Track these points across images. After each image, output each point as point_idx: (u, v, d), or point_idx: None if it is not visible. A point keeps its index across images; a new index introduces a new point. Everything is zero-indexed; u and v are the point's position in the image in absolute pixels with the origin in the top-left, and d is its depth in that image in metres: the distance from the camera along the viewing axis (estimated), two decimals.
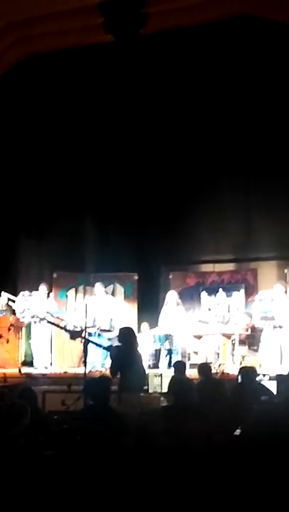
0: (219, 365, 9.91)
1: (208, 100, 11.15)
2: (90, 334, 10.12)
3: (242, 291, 11.54)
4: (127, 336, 7.33)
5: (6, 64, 10.65)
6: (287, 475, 4.07)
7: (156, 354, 10.81)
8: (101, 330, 10.74)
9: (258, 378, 7.74)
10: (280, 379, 7.99)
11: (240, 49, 9.95)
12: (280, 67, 10.36)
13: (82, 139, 12.05)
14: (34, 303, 10.98)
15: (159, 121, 11.57)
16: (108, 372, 7.65)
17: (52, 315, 10.39)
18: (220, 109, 11.27)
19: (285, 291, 10.44)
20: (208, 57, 10.26)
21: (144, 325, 11.19)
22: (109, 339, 10.37)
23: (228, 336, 10.51)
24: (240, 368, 8.04)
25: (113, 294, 12.05)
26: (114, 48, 9.87)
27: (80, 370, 7.66)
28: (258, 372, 7.86)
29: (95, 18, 9.59)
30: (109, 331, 10.69)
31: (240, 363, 9.92)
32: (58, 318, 9.94)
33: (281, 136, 11.20)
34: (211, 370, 8.22)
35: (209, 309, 11.48)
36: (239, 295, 11.48)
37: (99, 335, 10.66)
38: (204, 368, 8.08)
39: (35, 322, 10.95)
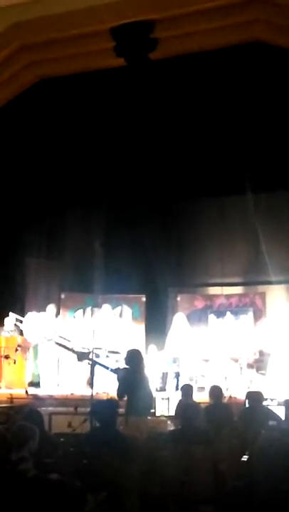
0: (226, 389, 9.85)
1: (217, 126, 11.21)
2: (97, 356, 10.11)
3: (250, 314, 11.51)
4: (134, 358, 7.31)
5: (17, 87, 10.75)
6: None
7: (164, 377, 10.76)
8: (109, 351, 10.72)
9: (265, 403, 7.70)
10: (288, 404, 7.93)
11: (251, 76, 10.00)
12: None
13: (91, 162, 12.13)
14: (42, 324, 10.99)
15: (168, 146, 11.64)
16: (115, 394, 7.62)
17: (60, 336, 10.38)
18: (229, 132, 11.32)
19: None
20: (219, 84, 10.32)
21: (152, 347, 11.16)
22: (117, 361, 10.35)
23: (236, 360, 10.46)
24: (248, 392, 7.99)
25: (120, 315, 12.05)
26: (123, 73, 9.97)
27: (87, 392, 7.64)
28: (265, 397, 7.82)
29: (106, 42, 9.69)
30: (117, 352, 10.67)
31: (248, 388, 9.85)
32: (65, 339, 9.93)
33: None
34: (222, 393, 8.15)
35: (217, 332, 11.45)
36: (247, 318, 11.45)
37: (107, 356, 10.64)
38: (215, 391, 8.01)
39: (42, 343, 10.95)
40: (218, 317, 11.62)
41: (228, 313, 11.64)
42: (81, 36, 9.62)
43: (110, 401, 6.26)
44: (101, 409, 5.47)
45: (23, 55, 10.17)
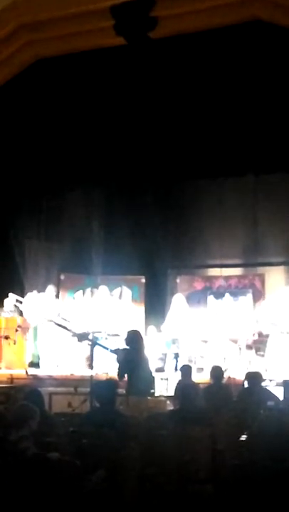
0: (225, 370, 9.89)
1: (217, 104, 11.14)
2: (97, 339, 10.14)
3: (249, 296, 11.53)
4: (134, 339, 7.34)
5: (15, 67, 10.65)
6: None
7: (163, 358, 10.81)
8: (108, 335, 10.75)
9: (263, 383, 7.74)
10: (286, 385, 7.97)
11: (251, 55, 9.91)
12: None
13: (90, 142, 12.06)
14: (41, 304, 11.01)
15: (167, 125, 11.57)
16: (115, 375, 7.66)
17: (59, 317, 10.40)
18: (229, 113, 11.25)
19: None
20: (219, 63, 10.24)
21: (151, 328, 11.19)
22: (117, 343, 10.39)
23: (235, 341, 10.50)
24: (247, 373, 8.03)
25: (120, 296, 12.08)
26: (123, 52, 9.88)
27: (87, 373, 7.67)
28: (263, 378, 7.86)
29: (105, 21, 9.60)
30: (116, 335, 10.70)
31: (247, 368, 9.90)
32: (65, 320, 9.95)
33: None
34: (222, 374, 8.19)
35: (216, 313, 11.48)
36: (246, 300, 11.47)
37: (106, 339, 10.67)
38: (216, 371, 8.05)
39: (42, 323, 10.98)
40: (217, 298, 11.64)
41: (227, 294, 11.66)
42: (80, 15, 9.53)
43: (110, 381, 6.29)
44: (101, 389, 5.50)
45: (21, 34, 10.07)
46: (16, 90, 10.55)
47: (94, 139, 11.81)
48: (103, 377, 8.97)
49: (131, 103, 10.99)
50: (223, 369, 9.59)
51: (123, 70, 10.48)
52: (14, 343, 10.68)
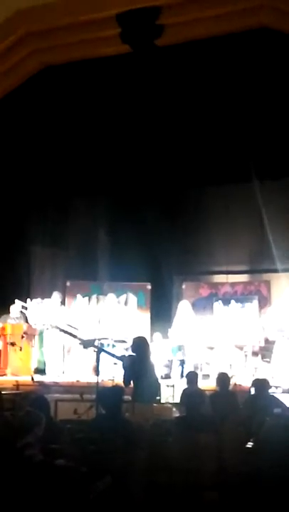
0: (232, 377, 9.87)
1: (222, 112, 11.17)
2: (103, 345, 10.15)
3: (255, 302, 11.52)
4: (140, 345, 7.34)
5: (22, 74, 10.71)
6: None
7: (169, 364, 10.81)
8: (115, 341, 10.76)
9: (270, 390, 7.72)
10: None
11: (257, 63, 9.94)
12: None
13: (96, 149, 12.11)
14: (47, 311, 11.02)
15: (173, 132, 11.60)
16: (121, 381, 7.65)
17: (65, 323, 10.41)
18: (235, 120, 11.28)
19: None
20: (224, 71, 10.27)
21: (157, 335, 11.19)
22: (126, 349, 10.39)
23: (241, 348, 10.48)
24: (253, 380, 8.02)
25: (126, 303, 12.08)
26: (129, 59, 9.92)
27: (93, 379, 7.67)
28: (270, 385, 7.84)
29: (111, 29, 9.65)
30: (123, 341, 10.71)
31: (253, 375, 9.88)
32: (71, 326, 9.97)
33: None
34: (229, 380, 8.18)
35: (222, 320, 11.47)
36: (252, 306, 11.45)
37: (114, 346, 10.68)
38: (223, 378, 8.04)
39: (47, 330, 10.99)
40: (223, 305, 11.63)
41: (233, 301, 11.65)
42: (86, 23, 9.57)
43: (116, 388, 6.29)
44: (106, 395, 5.49)
45: (28, 42, 10.12)
46: (23, 98, 10.61)
47: (100, 147, 11.85)
48: (109, 383, 8.97)
49: (137, 110, 11.02)
50: (230, 376, 9.59)
51: (129, 78, 10.53)
52: (20, 350, 10.69)
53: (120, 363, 8.18)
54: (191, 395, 7.02)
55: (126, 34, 9.48)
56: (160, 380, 8.49)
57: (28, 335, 10.93)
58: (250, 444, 5.38)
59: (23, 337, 10.74)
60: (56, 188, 12.45)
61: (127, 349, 10.28)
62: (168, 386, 8.95)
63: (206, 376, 10.06)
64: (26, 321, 11.19)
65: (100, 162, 12.26)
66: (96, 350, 7.59)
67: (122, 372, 7.33)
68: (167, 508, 4.69)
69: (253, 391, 7.48)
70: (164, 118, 11.21)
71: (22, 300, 11.36)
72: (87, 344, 7.76)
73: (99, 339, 8.63)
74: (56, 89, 10.86)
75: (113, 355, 8.75)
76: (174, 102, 10.91)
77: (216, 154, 11.77)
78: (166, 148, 11.82)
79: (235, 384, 9.51)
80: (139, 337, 7.86)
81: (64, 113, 11.34)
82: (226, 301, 11.68)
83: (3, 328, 10.92)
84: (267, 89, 10.36)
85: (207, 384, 9.14)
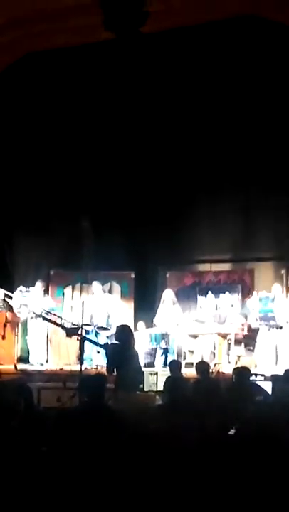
0: (215, 365, 9.93)
1: (207, 100, 11.16)
2: (87, 332, 10.14)
3: (238, 291, 11.56)
4: (123, 333, 7.35)
5: (4, 62, 10.64)
6: (281, 474, 4.10)
7: (152, 353, 10.83)
8: (98, 328, 10.76)
9: (252, 378, 7.77)
10: (275, 379, 8.01)
11: (242, 50, 9.94)
12: (283, 69, 10.37)
13: (80, 137, 12.05)
14: (31, 299, 10.99)
15: (158, 120, 11.57)
16: (104, 369, 7.67)
17: (48, 312, 10.39)
18: (219, 109, 11.28)
19: (282, 292, 10.49)
20: (209, 58, 10.26)
21: (141, 324, 11.20)
22: (107, 337, 10.39)
23: (224, 336, 10.53)
24: (234, 368, 8.07)
25: (110, 292, 12.06)
26: (114, 46, 9.86)
27: (76, 367, 7.68)
28: (251, 373, 7.89)
29: (95, 16, 9.57)
30: (106, 329, 10.71)
31: (236, 363, 9.94)
32: (54, 315, 9.94)
33: (281, 136, 11.22)
34: (209, 368, 8.23)
35: (205, 309, 11.50)
36: (236, 295, 11.50)
37: (96, 333, 10.68)
38: (202, 367, 8.09)
39: (31, 318, 10.96)
40: (206, 294, 11.66)
41: (217, 289, 11.69)
42: (69, 10, 9.51)
43: (99, 375, 6.29)
44: (89, 383, 5.49)
45: (11, 29, 10.04)
46: (5, 84, 10.53)
47: (83, 132, 11.80)
48: (92, 371, 8.98)
49: (121, 97, 10.98)
50: (212, 364, 9.65)
51: (113, 65, 10.48)
52: (3, 338, 10.67)
53: (103, 351, 8.20)
54: (174, 382, 7.04)
55: (110, 21, 9.41)
56: (143, 368, 8.51)
57: (12, 323, 10.90)
58: (232, 431, 5.40)
59: (5, 325, 10.72)
60: (40, 176, 12.38)
61: (109, 337, 10.29)
62: (151, 374, 8.97)
63: (189, 364, 10.09)
64: (10, 310, 11.15)
65: (84, 150, 12.20)
66: (79, 338, 7.60)
67: (106, 360, 7.34)
68: (151, 495, 4.71)
69: (234, 379, 7.52)
70: (149, 106, 11.18)
71: (5, 289, 11.31)
72: (70, 332, 7.75)
73: (82, 327, 8.60)
74: (39, 76, 10.79)
75: (96, 344, 8.77)
76: (158, 90, 10.88)
77: (200, 145, 11.76)
78: (151, 137, 11.80)
79: (218, 372, 9.57)
80: (122, 325, 7.87)
81: (47, 100, 11.26)
82: (210, 290, 11.71)
83: None
84: (253, 77, 10.37)
85: (190, 372, 9.17)
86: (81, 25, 10.04)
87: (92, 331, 10.62)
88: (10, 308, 11.17)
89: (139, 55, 9.95)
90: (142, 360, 9.69)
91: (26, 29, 10.18)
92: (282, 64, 10.26)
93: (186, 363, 10.15)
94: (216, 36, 9.76)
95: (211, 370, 8.83)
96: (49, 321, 9.67)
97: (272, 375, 8.21)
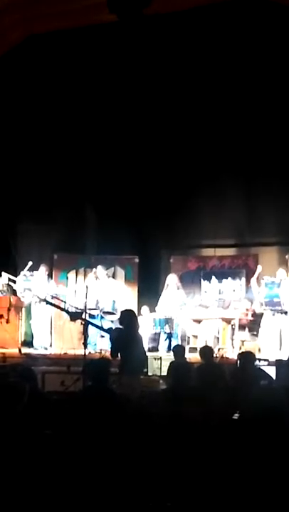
0: (219, 350, 9.93)
1: (209, 84, 11.07)
2: (92, 316, 10.15)
3: (243, 276, 11.54)
4: (127, 318, 7.34)
5: (7, 44, 10.55)
6: (284, 459, 4.09)
7: (156, 337, 10.84)
8: (104, 312, 10.76)
9: (256, 363, 7.77)
10: (279, 364, 8.01)
11: (246, 32, 9.83)
12: (282, 50, 10.26)
13: (83, 121, 11.98)
14: (35, 283, 10.99)
15: (159, 106, 11.50)
16: (108, 353, 7.67)
17: (53, 296, 10.38)
18: (220, 93, 11.19)
19: (287, 276, 10.46)
20: (212, 40, 10.15)
21: (144, 308, 11.20)
22: (112, 321, 10.39)
23: (228, 321, 10.52)
24: (239, 353, 8.06)
25: (114, 276, 12.05)
26: (116, 28, 9.77)
27: (80, 351, 7.68)
28: (256, 357, 7.88)
29: None
30: (112, 313, 10.70)
31: (240, 348, 9.94)
32: (58, 299, 9.94)
33: (283, 121, 11.13)
34: (212, 353, 8.23)
35: (209, 293, 11.49)
36: (240, 280, 11.48)
37: (102, 317, 10.69)
38: (206, 352, 8.08)
39: (35, 302, 10.97)
40: (210, 278, 11.64)
41: (221, 274, 11.67)
42: None
43: (102, 360, 6.30)
44: (93, 367, 5.49)
45: (14, 10, 9.96)
46: (8, 66, 10.46)
47: (86, 117, 11.73)
48: (96, 356, 8.99)
49: (123, 81, 10.89)
50: (216, 349, 9.64)
51: (116, 48, 10.38)
52: (7, 322, 10.67)
53: (108, 336, 8.19)
54: (178, 367, 7.05)
55: (113, 3, 9.32)
56: (147, 353, 8.52)
57: (16, 307, 10.90)
58: (236, 416, 5.40)
59: (9, 309, 10.71)
60: (44, 161, 12.33)
61: (113, 321, 10.29)
62: (155, 359, 8.98)
63: (193, 349, 10.09)
64: (14, 294, 11.15)
65: (87, 136, 12.14)
66: (83, 322, 7.60)
67: (110, 344, 7.33)
68: (153, 478, 4.71)
69: (239, 364, 7.51)
70: (151, 91, 11.11)
71: (9, 273, 11.30)
72: (74, 316, 7.74)
73: (86, 311, 8.59)
74: (41, 58, 10.71)
75: (101, 328, 8.77)
76: (161, 74, 10.80)
77: (203, 130, 11.68)
78: (154, 122, 11.73)
79: (222, 357, 9.57)
80: (126, 310, 7.86)
81: (50, 82, 11.19)
82: (214, 275, 11.69)
83: None
84: (256, 61, 10.28)
85: (194, 357, 9.17)
86: (84, 7, 9.95)
87: (97, 315, 10.62)
88: (14, 292, 11.18)
89: (142, 37, 9.86)
90: (146, 344, 9.70)
91: (28, 11, 10.09)
92: (285, 49, 10.15)
93: (190, 348, 10.16)
94: (219, 19, 9.66)
95: (214, 355, 8.83)
96: (53, 305, 9.67)
97: (276, 360, 8.22)
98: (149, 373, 8.61)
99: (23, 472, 3.89)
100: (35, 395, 4.81)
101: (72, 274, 12.33)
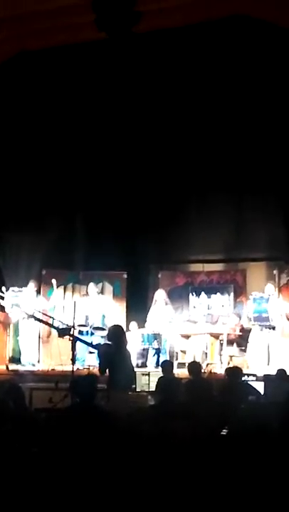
0: (207, 365, 9.94)
1: (199, 100, 11.16)
2: (81, 333, 10.13)
3: (231, 291, 11.57)
4: (116, 334, 7.34)
5: None
6: (272, 473, 4.09)
7: (144, 353, 10.82)
8: (94, 328, 10.74)
9: (244, 378, 7.78)
10: (267, 379, 8.02)
11: (235, 50, 9.95)
12: (272, 68, 10.38)
13: (72, 136, 12.02)
14: (23, 299, 10.96)
15: (150, 120, 11.56)
16: (96, 370, 7.65)
17: (41, 312, 10.35)
18: (211, 109, 11.28)
19: (275, 292, 10.51)
20: (202, 58, 10.26)
21: (133, 324, 11.18)
22: (102, 337, 10.37)
23: (216, 336, 10.53)
24: (227, 368, 8.07)
25: (102, 292, 12.03)
26: (106, 46, 9.85)
27: (68, 368, 7.65)
28: (243, 373, 7.90)
29: (87, 15, 9.56)
30: (102, 328, 10.69)
31: (228, 363, 9.94)
32: (46, 315, 9.91)
33: (272, 137, 11.22)
34: (201, 369, 8.24)
35: (197, 309, 11.50)
36: (228, 295, 11.51)
37: (92, 333, 10.66)
38: (194, 367, 8.09)
39: (23, 318, 10.92)
40: (198, 294, 11.66)
41: (209, 289, 11.69)
42: (62, 9, 9.49)
43: (89, 376, 6.27)
44: (80, 384, 5.47)
45: (4, 27, 10.01)
46: None
47: (74, 131, 11.77)
48: (84, 372, 8.95)
49: (112, 97, 10.96)
50: (205, 364, 9.64)
51: (106, 65, 10.46)
52: None
53: (96, 352, 8.17)
54: (167, 383, 7.03)
55: (102, 21, 9.39)
56: (136, 369, 8.50)
57: (3, 323, 10.86)
58: (224, 431, 5.40)
59: None
60: (33, 175, 12.33)
61: (103, 337, 10.26)
62: (143, 374, 8.96)
63: (181, 365, 10.09)
64: (1, 310, 11.11)
65: (77, 150, 12.17)
66: (72, 338, 7.58)
67: (98, 360, 7.31)
68: (141, 494, 4.69)
69: (227, 379, 7.52)
70: (141, 106, 11.18)
71: None
72: (62, 332, 7.72)
73: (75, 327, 8.58)
74: (31, 74, 10.76)
75: (89, 344, 8.74)
76: (150, 89, 10.88)
77: (193, 145, 11.75)
78: (143, 137, 11.79)
79: (210, 372, 9.57)
80: (115, 326, 7.86)
81: (39, 98, 11.23)
82: (202, 290, 11.71)
83: None
84: (244, 76, 10.38)
85: (183, 372, 9.16)
86: (75, 24, 10.02)
87: (87, 331, 10.60)
88: (2, 308, 11.13)
89: (133, 55, 9.95)
90: (134, 360, 9.69)
91: (20, 28, 10.15)
92: (274, 64, 10.27)
93: (179, 363, 10.15)
94: (207, 36, 9.77)
95: (203, 371, 8.83)
96: (41, 321, 9.64)
97: (264, 375, 8.23)
98: (138, 389, 8.57)
99: (10, 490, 3.86)
100: (22, 413, 4.79)
101: (60, 290, 12.30)
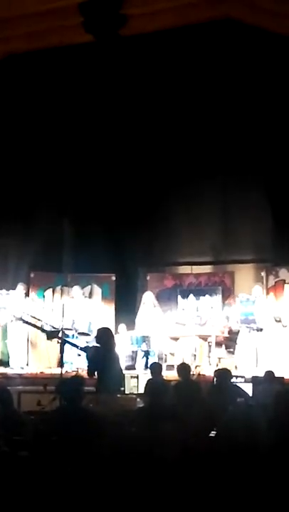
0: (195, 367, 9.95)
1: (184, 101, 11.20)
2: (67, 337, 10.11)
3: (219, 293, 11.59)
4: (104, 336, 7.34)
5: None
6: (260, 475, 4.11)
7: (133, 355, 10.82)
8: (79, 333, 10.74)
9: (233, 380, 7.80)
10: (255, 381, 8.05)
11: (222, 53, 9.99)
12: (261, 71, 10.43)
13: (60, 139, 12.01)
14: (11, 302, 10.93)
15: (135, 122, 11.59)
16: (85, 372, 7.64)
17: (29, 315, 10.33)
18: (197, 110, 11.31)
19: (262, 294, 10.55)
20: (189, 61, 10.30)
21: (121, 326, 11.18)
22: (87, 342, 10.36)
23: (205, 338, 10.55)
24: (215, 370, 8.09)
25: (90, 294, 12.03)
26: (93, 48, 9.87)
27: (57, 371, 7.65)
28: (232, 375, 7.92)
29: (74, 18, 9.58)
30: (87, 334, 10.68)
31: (217, 365, 9.96)
32: (34, 318, 9.90)
33: (259, 139, 11.28)
34: (190, 371, 8.24)
35: (186, 311, 11.51)
36: (216, 297, 11.53)
37: (77, 338, 10.64)
38: (183, 369, 8.10)
39: (11, 321, 10.89)
40: (187, 296, 11.68)
41: (197, 291, 11.71)
42: (49, 12, 9.50)
43: (76, 378, 6.26)
44: (67, 386, 5.47)
45: None
46: None
47: (63, 133, 11.77)
48: (72, 374, 8.93)
49: (99, 100, 10.98)
50: (193, 366, 9.65)
51: (93, 68, 10.48)
52: None
53: (84, 354, 8.16)
54: (155, 385, 7.04)
55: (89, 23, 9.43)
56: (124, 371, 8.50)
57: None
58: (213, 433, 5.42)
59: None
60: (20, 177, 12.30)
61: (88, 342, 10.26)
62: (132, 377, 8.96)
63: (170, 367, 10.10)
64: None
65: (63, 152, 12.16)
66: (60, 341, 7.57)
67: (86, 363, 7.31)
68: (130, 498, 4.70)
69: (215, 381, 7.54)
70: (127, 107, 11.20)
71: None
72: (50, 335, 7.71)
73: (63, 330, 8.57)
74: (19, 78, 10.75)
75: (77, 347, 8.72)
76: (138, 90, 10.90)
77: (180, 146, 11.79)
78: (128, 139, 11.81)
79: (199, 374, 9.58)
80: (103, 328, 7.85)
81: (28, 102, 11.23)
82: (190, 292, 11.73)
83: None
84: (231, 79, 10.42)
85: (171, 374, 9.17)
86: (63, 27, 10.04)
87: (73, 335, 10.59)
88: None
89: (121, 56, 9.97)
90: (123, 362, 9.68)
91: (6, 31, 10.14)
92: (258, 66, 10.33)
93: (167, 366, 10.15)
94: (194, 40, 9.81)
95: (192, 373, 8.83)
96: (29, 324, 9.62)
97: (252, 377, 8.25)
98: (126, 391, 8.58)
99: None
100: (12, 416, 4.78)
101: (48, 293, 12.27)
